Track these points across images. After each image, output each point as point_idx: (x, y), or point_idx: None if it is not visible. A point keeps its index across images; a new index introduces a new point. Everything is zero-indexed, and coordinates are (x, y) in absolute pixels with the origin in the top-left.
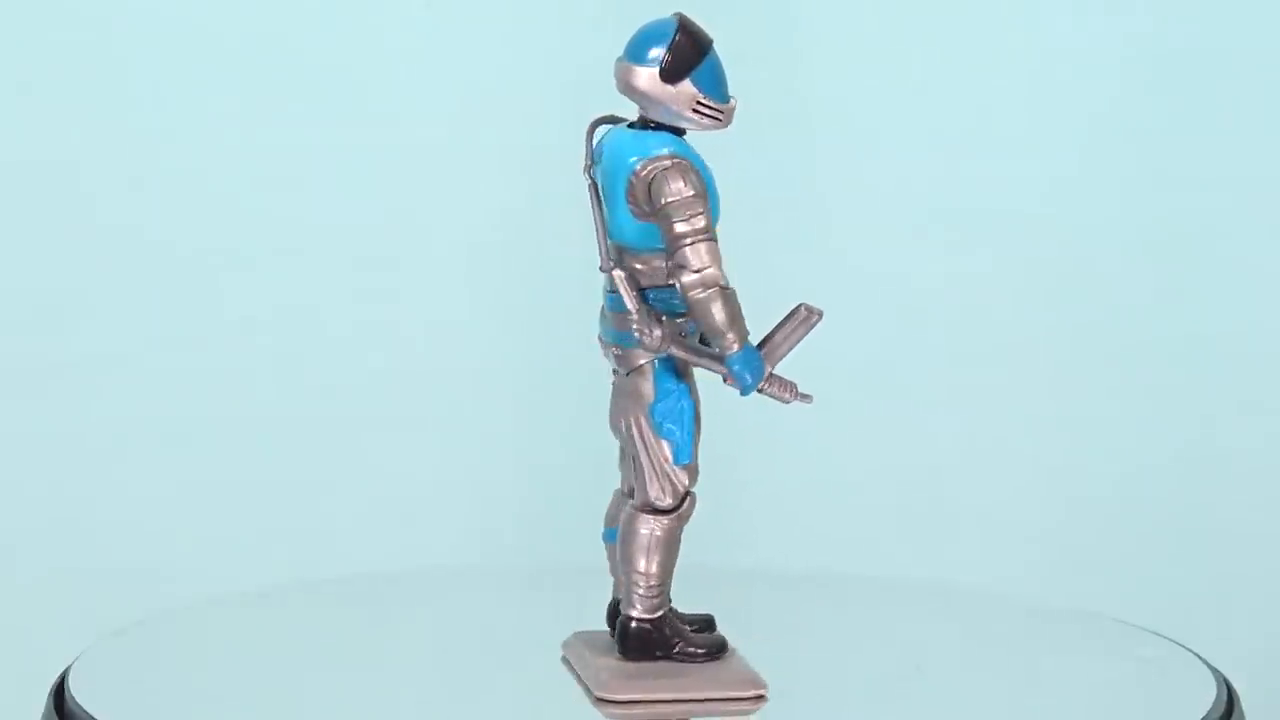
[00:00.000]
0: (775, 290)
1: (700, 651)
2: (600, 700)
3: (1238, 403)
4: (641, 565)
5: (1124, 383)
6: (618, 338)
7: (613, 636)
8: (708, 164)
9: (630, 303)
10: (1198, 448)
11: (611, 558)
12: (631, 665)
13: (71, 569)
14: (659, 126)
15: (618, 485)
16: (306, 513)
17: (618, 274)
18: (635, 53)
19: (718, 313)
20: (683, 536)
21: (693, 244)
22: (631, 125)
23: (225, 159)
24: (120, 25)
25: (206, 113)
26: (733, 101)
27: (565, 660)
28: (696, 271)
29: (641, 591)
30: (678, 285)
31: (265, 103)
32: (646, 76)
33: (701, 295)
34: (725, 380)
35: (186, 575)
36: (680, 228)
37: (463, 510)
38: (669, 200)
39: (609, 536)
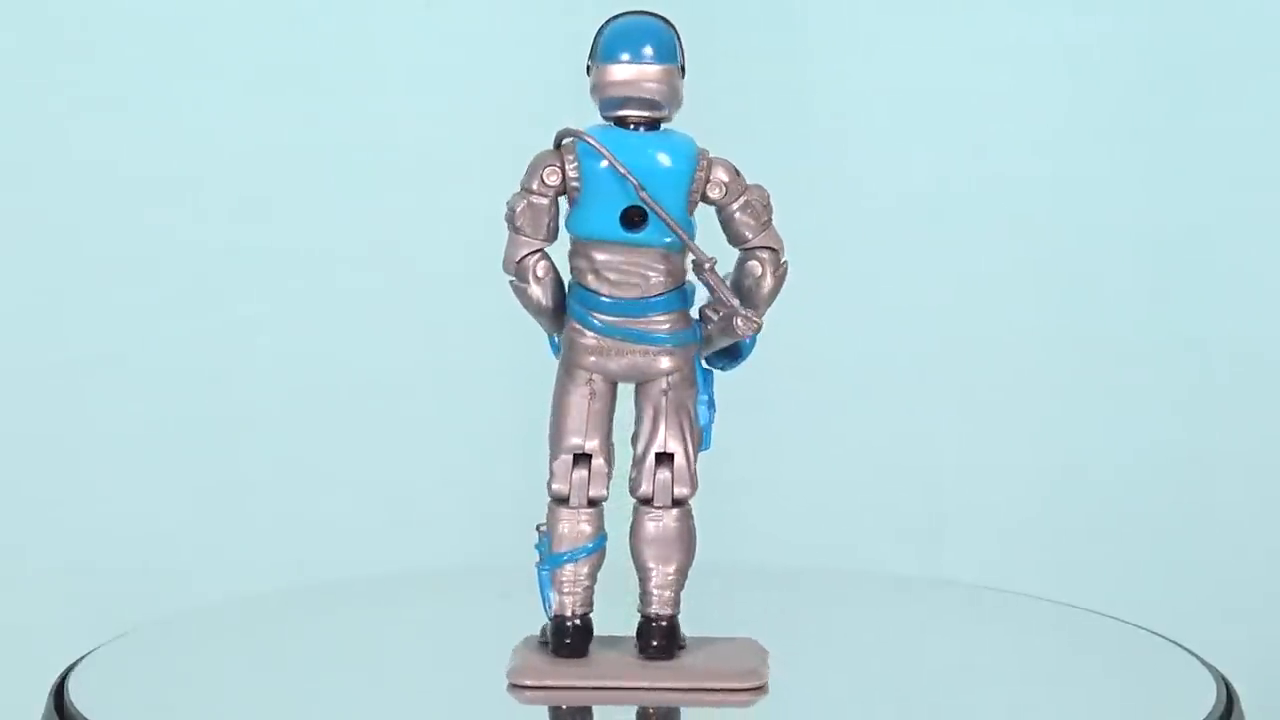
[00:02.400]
0: None
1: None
2: (758, 689)
3: (1237, 402)
4: (681, 561)
5: (1123, 382)
6: (677, 339)
7: (562, 655)
8: None
9: (732, 296)
10: (1197, 447)
11: (578, 579)
12: (675, 661)
13: (72, 569)
14: (653, 125)
15: (571, 505)
16: (306, 513)
17: (712, 271)
18: (665, 54)
19: (780, 287)
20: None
21: (772, 225)
22: (624, 127)
23: (225, 159)
24: (118, 25)
25: (206, 113)
26: None
27: (517, 685)
28: (778, 250)
29: (681, 586)
30: (766, 267)
31: (265, 103)
32: (677, 75)
33: (784, 271)
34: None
35: (187, 576)
36: (766, 213)
37: (463, 510)
38: (747, 187)
39: (574, 556)
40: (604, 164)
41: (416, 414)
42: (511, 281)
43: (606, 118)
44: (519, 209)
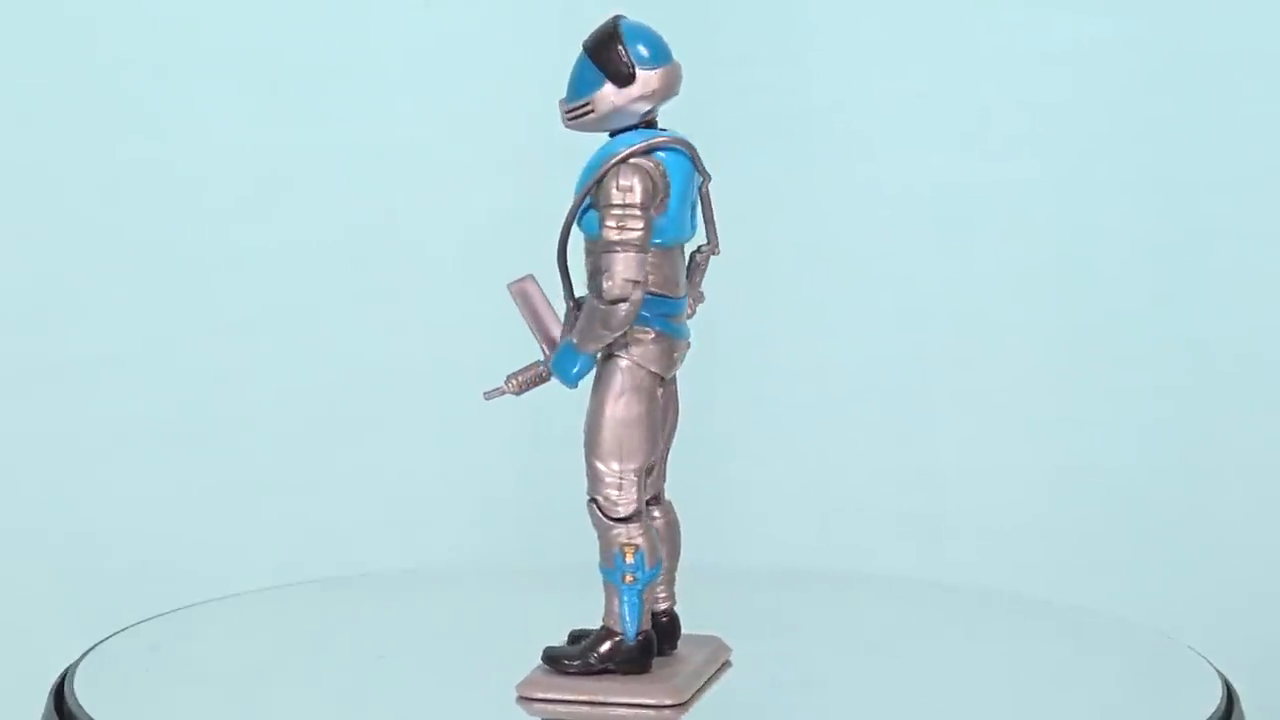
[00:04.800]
0: (776, 291)
1: None
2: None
3: (1238, 403)
4: (680, 549)
5: (1124, 383)
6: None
7: (639, 671)
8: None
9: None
10: (1198, 448)
11: (658, 589)
12: (677, 654)
13: (71, 569)
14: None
15: (639, 518)
16: (306, 513)
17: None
18: None
19: None
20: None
21: None
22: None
23: (225, 159)
24: (119, 24)
25: (206, 113)
26: None
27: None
28: None
29: None
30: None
31: (264, 103)
32: None
33: None
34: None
35: (186, 575)
36: None
37: (463, 510)
38: None
39: (659, 568)
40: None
41: (416, 414)
42: (622, 305)
43: (634, 124)
44: (642, 230)
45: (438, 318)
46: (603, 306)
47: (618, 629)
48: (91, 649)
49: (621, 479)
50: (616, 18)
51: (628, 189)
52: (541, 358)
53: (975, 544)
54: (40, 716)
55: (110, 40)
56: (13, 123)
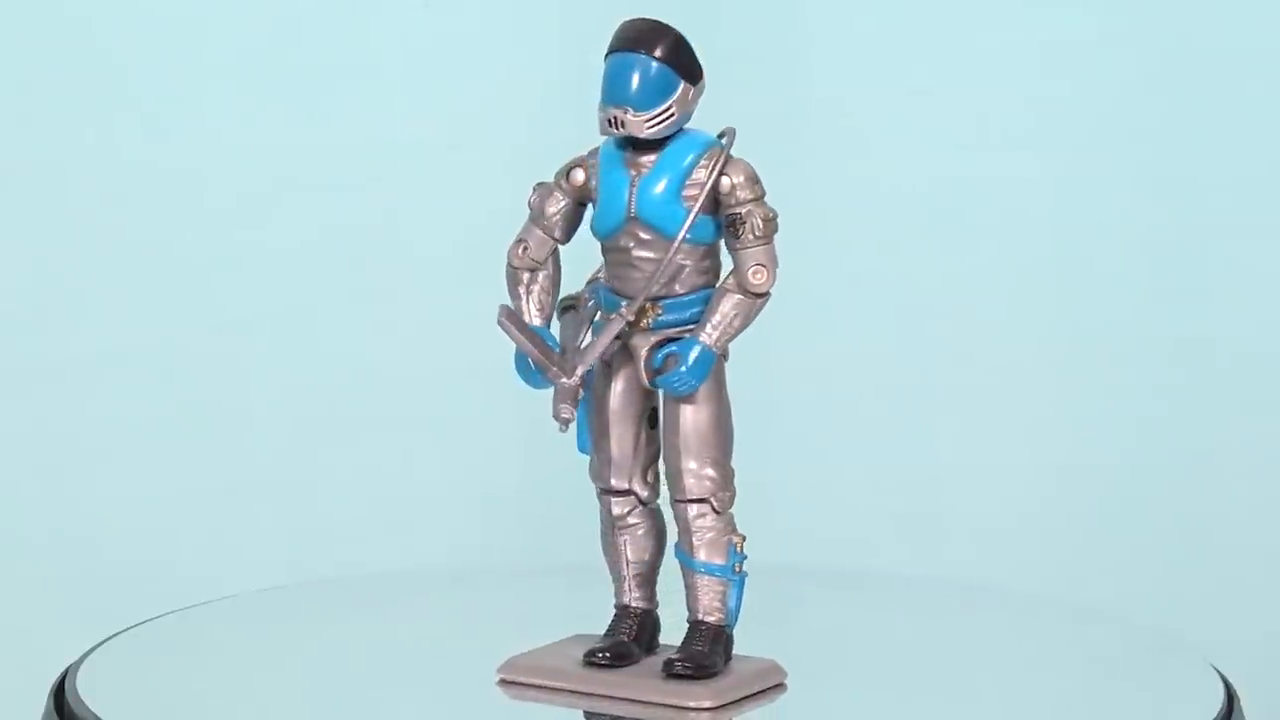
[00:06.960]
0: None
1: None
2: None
3: (1238, 403)
4: None
5: (1124, 383)
6: None
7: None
8: (607, 165)
9: None
10: (1198, 447)
11: None
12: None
13: (72, 569)
14: None
15: None
16: (306, 513)
17: None
18: None
19: None
20: (619, 542)
21: None
22: None
23: (224, 159)
24: (120, 24)
25: (205, 112)
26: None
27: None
28: None
29: None
30: None
31: (263, 102)
32: None
33: None
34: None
35: (186, 575)
36: None
37: (463, 510)
38: None
39: None
40: None
41: (416, 414)
42: (769, 298)
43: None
44: (776, 216)
45: (438, 318)
46: (756, 299)
47: (724, 621)
48: (92, 649)
49: (729, 473)
50: (643, 18)
51: (755, 180)
52: (558, 381)
53: (974, 542)
54: (40, 716)
55: (110, 40)
56: (13, 122)
